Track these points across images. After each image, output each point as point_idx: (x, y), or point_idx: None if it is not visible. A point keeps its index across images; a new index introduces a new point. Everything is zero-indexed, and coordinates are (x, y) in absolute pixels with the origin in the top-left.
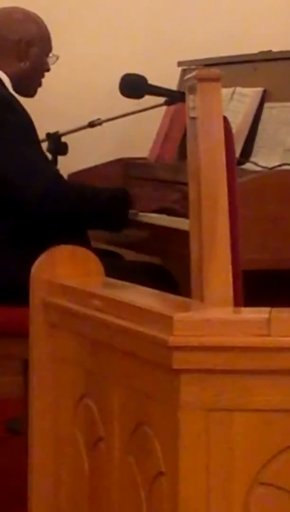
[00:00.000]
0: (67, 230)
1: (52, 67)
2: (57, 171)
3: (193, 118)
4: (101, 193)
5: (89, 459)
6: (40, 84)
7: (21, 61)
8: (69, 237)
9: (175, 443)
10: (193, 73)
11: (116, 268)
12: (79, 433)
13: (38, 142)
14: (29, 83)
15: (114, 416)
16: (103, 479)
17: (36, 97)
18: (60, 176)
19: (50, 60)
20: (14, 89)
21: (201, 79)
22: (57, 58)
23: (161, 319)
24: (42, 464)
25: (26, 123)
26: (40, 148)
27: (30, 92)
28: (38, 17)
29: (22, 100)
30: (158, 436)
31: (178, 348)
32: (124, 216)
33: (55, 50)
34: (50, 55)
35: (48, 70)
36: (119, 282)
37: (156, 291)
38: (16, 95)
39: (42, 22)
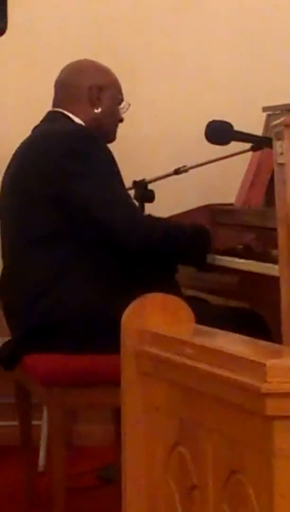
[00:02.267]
0: (156, 268)
1: (138, 114)
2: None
3: (281, 164)
4: (185, 228)
5: (183, 507)
6: (116, 131)
7: (93, 106)
8: (157, 283)
9: (270, 490)
10: (281, 120)
11: (206, 314)
12: (172, 481)
13: (121, 179)
14: (105, 129)
15: (208, 464)
16: None
17: (122, 145)
18: (149, 215)
19: (122, 110)
20: None
21: (289, 125)
22: (129, 106)
23: (253, 366)
24: None
25: (109, 158)
26: (123, 185)
27: (108, 138)
28: (106, 67)
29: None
30: (253, 484)
31: (272, 394)
32: (206, 251)
33: (140, 98)
34: (122, 104)
35: (121, 120)
36: (210, 329)
37: (247, 338)
38: None
39: (111, 71)
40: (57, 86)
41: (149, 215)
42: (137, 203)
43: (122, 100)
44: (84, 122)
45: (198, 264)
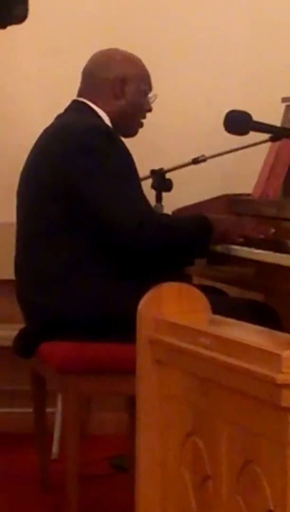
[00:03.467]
0: (162, 263)
1: (156, 104)
2: (152, 210)
3: None
4: (185, 225)
5: (196, 497)
6: (140, 125)
7: (117, 99)
8: (167, 274)
9: (284, 481)
10: None
11: (220, 304)
12: (186, 471)
13: (135, 178)
14: (127, 121)
15: (222, 454)
16: None
17: (141, 134)
18: (152, 214)
19: (150, 99)
20: (114, 128)
21: None
22: (156, 97)
23: (269, 356)
24: (149, 501)
25: (125, 158)
26: (137, 184)
27: (129, 131)
28: (137, 57)
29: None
30: (267, 474)
31: (287, 385)
32: (207, 241)
33: (159, 87)
34: (150, 94)
35: (149, 110)
36: (226, 319)
37: (263, 328)
38: None
39: (141, 62)
40: (84, 74)
41: (154, 215)
42: (154, 192)
43: (149, 90)
44: (107, 114)
45: (203, 256)
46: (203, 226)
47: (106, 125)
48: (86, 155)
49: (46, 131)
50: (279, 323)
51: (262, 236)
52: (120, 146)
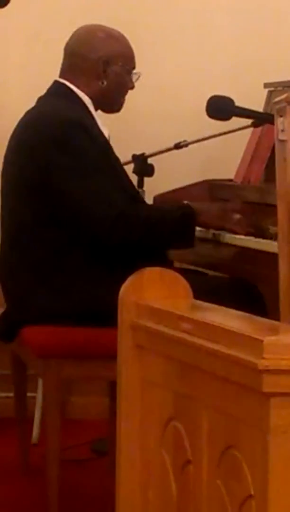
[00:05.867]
0: (143, 253)
1: (138, 88)
2: (133, 197)
3: (282, 141)
4: (167, 217)
5: (177, 482)
6: (123, 101)
7: (99, 80)
8: (147, 260)
9: (264, 466)
10: (283, 96)
11: (201, 284)
12: (166, 456)
13: (113, 169)
14: (110, 101)
15: (203, 439)
16: (191, 502)
17: (122, 118)
18: (130, 207)
19: (133, 77)
20: (97, 108)
21: None
22: (139, 76)
23: (251, 342)
24: (130, 486)
25: (101, 150)
26: (115, 176)
27: (113, 108)
28: (121, 35)
29: (108, 121)
30: (247, 459)
31: (268, 371)
32: (191, 233)
33: (141, 71)
34: (134, 72)
35: (132, 87)
36: (208, 304)
37: (245, 314)
38: (99, 113)
39: (125, 39)
40: (66, 52)
41: (132, 207)
42: (136, 177)
43: (132, 68)
44: (88, 95)
45: (186, 246)
46: (186, 217)
47: (82, 116)
48: (62, 150)
49: (26, 116)
50: (260, 299)
51: (242, 232)
52: (96, 138)
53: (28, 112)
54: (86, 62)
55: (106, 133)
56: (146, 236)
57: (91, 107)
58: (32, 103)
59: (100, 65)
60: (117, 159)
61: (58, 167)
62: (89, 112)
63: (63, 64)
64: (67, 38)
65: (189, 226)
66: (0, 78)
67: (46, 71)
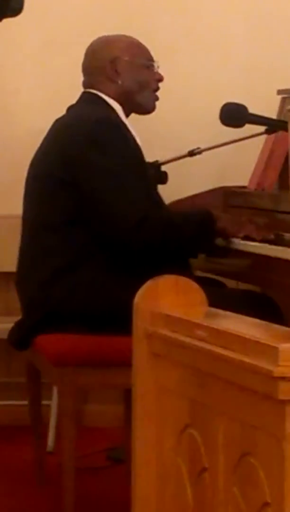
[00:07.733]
0: (164, 259)
1: None
2: (157, 202)
3: None
4: (189, 221)
5: (193, 489)
6: (155, 98)
7: (115, 80)
8: (168, 265)
9: (281, 473)
10: None
11: (217, 296)
12: (182, 463)
13: (142, 171)
14: (134, 98)
15: (219, 447)
16: (207, 510)
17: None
18: (155, 210)
19: (154, 67)
20: (128, 113)
21: None
22: (158, 66)
23: (266, 349)
24: (146, 494)
25: (133, 151)
26: (143, 178)
27: (142, 108)
28: (122, 35)
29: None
30: (263, 467)
31: (284, 378)
32: (212, 239)
33: None
34: (151, 63)
35: (159, 80)
36: (222, 312)
37: (260, 321)
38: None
39: (127, 37)
40: (82, 72)
41: (157, 210)
42: None
43: (148, 60)
44: (113, 98)
45: (207, 252)
46: (207, 222)
47: (116, 117)
48: (95, 148)
49: (57, 121)
50: (277, 311)
51: (258, 238)
52: (129, 139)
53: (58, 120)
54: (98, 70)
55: (137, 139)
56: (168, 239)
57: (120, 113)
58: (44, 111)
59: (109, 65)
60: (146, 164)
61: (89, 165)
62: (120, 117)
63: (83, 82)
64: (79, 46)
65: (209, 230)
66: (12, 86)
67: (59, 79)
